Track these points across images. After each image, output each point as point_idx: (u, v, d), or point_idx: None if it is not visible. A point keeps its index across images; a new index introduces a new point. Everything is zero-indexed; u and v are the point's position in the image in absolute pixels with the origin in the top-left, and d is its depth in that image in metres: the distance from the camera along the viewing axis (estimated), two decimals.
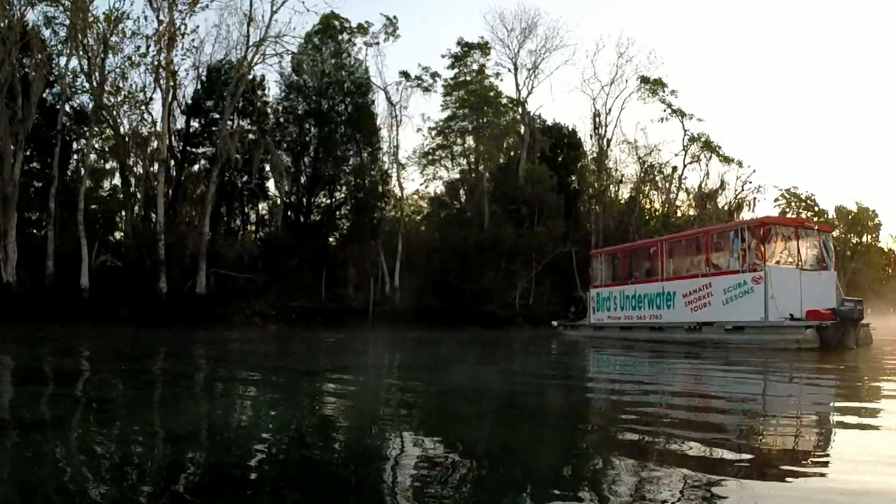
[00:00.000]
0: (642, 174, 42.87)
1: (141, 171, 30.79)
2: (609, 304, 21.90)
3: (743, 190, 47.50)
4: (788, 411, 5.71)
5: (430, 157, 42.48)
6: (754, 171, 49.98)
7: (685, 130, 41.34)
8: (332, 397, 6.66)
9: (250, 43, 29.77)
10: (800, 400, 6.79)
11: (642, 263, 21.03)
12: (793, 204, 63.16)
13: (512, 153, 40.70)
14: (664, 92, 39.77)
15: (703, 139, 41.03)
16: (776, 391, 7.65)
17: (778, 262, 16.65)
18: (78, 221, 27.26)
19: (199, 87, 33.06)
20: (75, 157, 33.57)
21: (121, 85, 29.45)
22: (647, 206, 43.21)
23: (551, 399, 6.42)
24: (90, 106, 29.14)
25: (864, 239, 69.93)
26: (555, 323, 26.18)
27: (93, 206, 31.04)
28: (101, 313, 26.21)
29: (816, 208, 63.56)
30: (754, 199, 48.90)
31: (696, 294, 17.66)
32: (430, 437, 4.18)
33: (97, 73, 28.12)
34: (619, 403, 6.07)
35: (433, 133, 41.18)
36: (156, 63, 28.32)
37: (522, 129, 39.51)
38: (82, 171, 29.74)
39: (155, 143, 29.79)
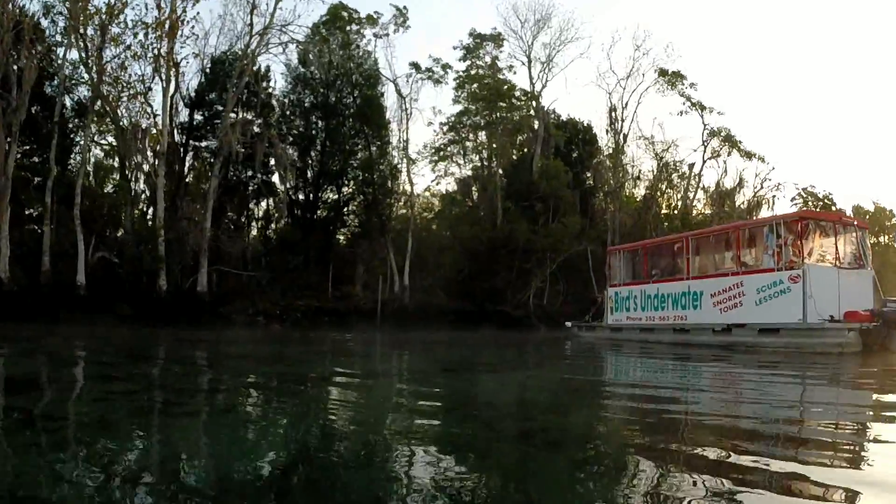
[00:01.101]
0: (659, 171, 41.49)
1: (143, 166, 29.79)
2: (628, 303, 20.66)
3: (762, 188, 46.11)
4: (846, 423, 4.54)
5: (441, 154, 41.35)
6: (773, 168, 48.60)
7: (705, 125, 39.96)
8: (333, 416, 5.52)
9: (254, 32, 28.73)
10: (847, 409, 5.59)
11: (665, 261, 19.78)
12: (809, 203, 61.60)
13: (525, 149, 39.49)
14: (683, 84, 38.41)
15: (723, 133, 39.54)
16: (831, 398, 6.45)
17: (817, 260, 15.40)
18: (74, 216, 26.32)
19: (203, 79, 32.15)
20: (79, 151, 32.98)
21: (120, 76, 28.54)
22: (665, 202, 41.76)
23: (578, 421, 5.26)
24: (89, 97, 28.09)
25: (881, 239, 68.31)
26: (568, 324, 25.01)
27: (94, 202, 30.11)
28: (98, 312, 25.31)
29: (834, 208, 61.99)
30: (773, 197, 47.56)
31: (726, 294, 16.41)
32: (438, 477, 3.05)
33: (95, 63, 27.10)
34: (663, 424, 4.90)
35: (445, 128, 40.06)
36: (156, 52, 27.31)
37: (536, 125, 38.28)
38: (84, 164, 28.67)
39: (156, 136, 28.79)
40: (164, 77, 27.94)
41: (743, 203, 45.67)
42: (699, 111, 39.08)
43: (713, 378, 9.06)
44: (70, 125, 30.14)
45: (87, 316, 24.89)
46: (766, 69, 69.43)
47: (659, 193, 41.18)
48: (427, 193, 42.98)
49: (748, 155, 39.45)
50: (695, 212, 42.20)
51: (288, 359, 11.53)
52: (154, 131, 28.84)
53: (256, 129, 30.46)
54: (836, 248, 15.89)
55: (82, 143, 28.59)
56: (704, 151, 40.30)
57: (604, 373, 10.26)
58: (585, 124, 41.19)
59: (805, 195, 62.42)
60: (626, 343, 19.23)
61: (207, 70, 31.90)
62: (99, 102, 28.51)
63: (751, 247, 16.68)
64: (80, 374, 8.48)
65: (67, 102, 29.55)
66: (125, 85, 27.89)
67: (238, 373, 8.86)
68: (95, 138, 32.98)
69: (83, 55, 28.08)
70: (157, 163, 28.01)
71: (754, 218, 35.91)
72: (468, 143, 41.06)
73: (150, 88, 28.27)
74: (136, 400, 6.22)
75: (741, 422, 5.01)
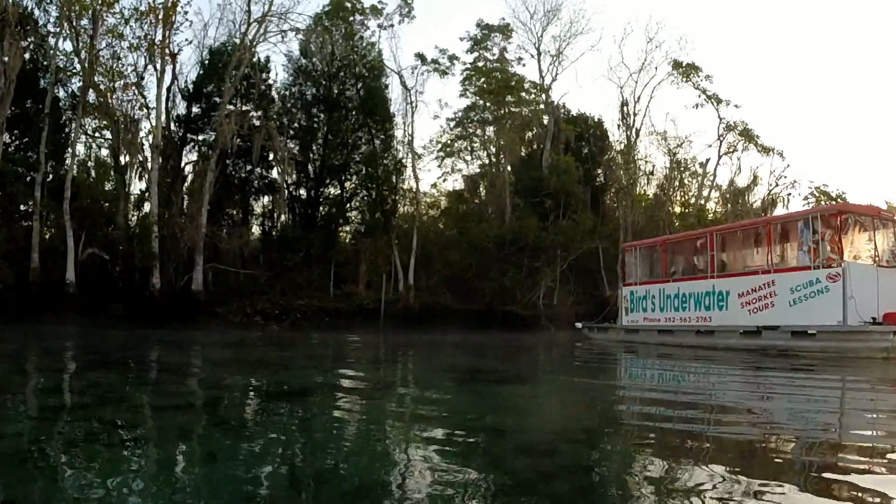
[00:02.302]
0: (672, 168, 40.09)
1: (137, 159, 28.65)
2: (645, 303, 19.38)
3: (776, 185, 44.73)
4: None
5: (448, 150, 40.11)
6: (788, 165, 47.27)
7: (720, 119, 38.52)
8: (310, 454, 4.33)
9: (252, 19, 27.55)
10: None
11: (687, 258, 18.47)
12: (822, 202, 60.08)
13: (535, 145, 38.22)
14: (699, 76, 37.00)
15: (740, 127, 38.08)
16: None
17: (856, 257, 14.11)
18: (64, 211, 25.23)
19: (201, 71, 31.01)
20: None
21: (113, 65, 27.42)
22: (678, 200, 40.33)
23: (609, 453, 4.08)
24: (80, 87, 26.96)
25: None
26: (579, 325, 23.76)
27: (89, 198, 29.01)
28: (89, 311, 24.29)
29: None
30: (788, 195, 46.21)
31: (756, 293, 15.13)
32: None
33: (87, 52, 25.98)
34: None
35: (452, 124, 38.82)
36: (150, 40, 26.18)
37: (546, 120, 37.02)
38: (74, 158, 27.56)
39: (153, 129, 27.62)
40: (158, 67, 26.79)
41: (756, 202, 44.34)
42: (715, 104, 37.69)
43: (763, 387, 7.82)
44: (63, 118, 29.07)
45: (78, 316, 23.93)
46: (780, 63, 67.81)
47: (672, 190, 39.78)
48: (434, 191, 41.67)
49: (766, 150, 37.96)
50: (708, 210, 40.75)
51: (277, 365, 10.34)
52: (148, 124, 27.65)
53: (256, 122, 29.24)
54: (875, 244, 14.63)
55: (73, 135, 27.31)
56: (720, 147, 38.89)
57: (627, 382, 9.02)
58: (596, 119, 39.90)
59: (818, 194, 61.06)
60: (643, 346, 17.99)
61: (206, 61, 30.80)
62: (94, 96, 27.48)
63: (783, 242, 15.39)
64: (29, 385, 7.32)
65: (62, 95, 28.57)
66: (117, 74, 26.69)
67: (213, 384, 7.67)
68: (91, 132, 31.79)
69: (76, 45, 27.02)
70: (150, 156, 26.85)
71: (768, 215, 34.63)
72: (476, 141, 39.83)
73: (142, 78, 27.11)
74: (77, 420, 5.09)
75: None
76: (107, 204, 29.18)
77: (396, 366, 10.40)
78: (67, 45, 27.60)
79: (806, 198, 61.40)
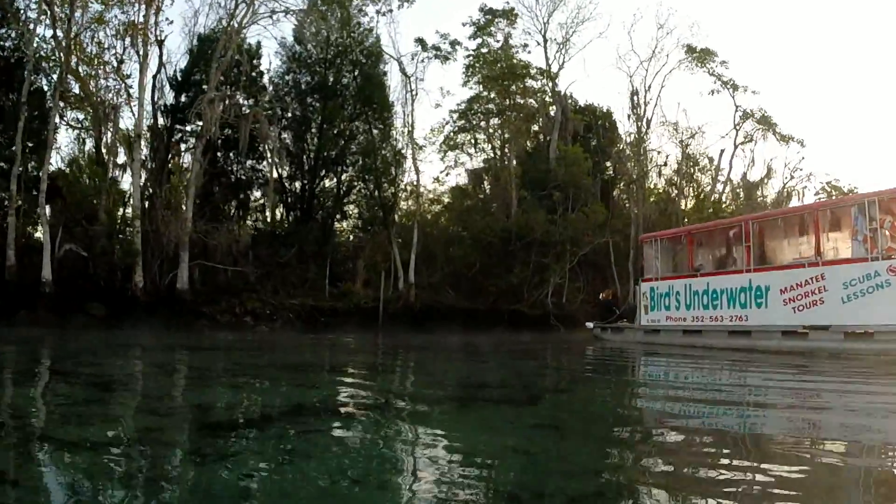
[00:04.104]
0: (684, 160, 38.27)
1: (119, 149, 26.97)
2: (668, 301, 17.59)
3: (791, 178, 43.00)
4: None
5: (451, 143, 38.27)
6: (803, 157, 45.58)
7: (737, 107, 36.67)
8: None
9: None
10: None
11: (717, 250, 16.68)
12: (833, 196, 58.23)
13: (541, 138, 36.42)
14: (714, 62, 35.15)
15: (758, 114, 36.22)
16: None
17: None
18: (40, 205, 23.56)
19: (190, 59, 29.29)
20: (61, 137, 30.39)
21: (94, 51, 25.71)
22: (691, 192, 38.55)
23: None
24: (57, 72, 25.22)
25: None
26: (590, 325, 22.05)
27: (71, 192, 27.31)
28: (68, 311, 22.67)
29: None
30: (804, 188, 44.53)
31: (802, 289, 13.34)
32: None
33: (64, 34, 24.27)
34: None
35: (455, 116, 36.95)
36: (132, 21, 24.46)
37: (553, 111, 35.23)
38: (50, 148, 25.76)
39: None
40: (140, 51, 25.05)
41: (769, 196, 42.60)
42: (731, 91, 35.84)
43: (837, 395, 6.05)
44: (46, 108, 27.35)
45: (55, 316, 22.34)
46: (791, 51, 65.81)
47: (685, 184, 37.98)
48: (435, 184, 39.78)
49: (784, 139, 36.14)
50: (723, 202, 38.94)
51: (247, 375, 8.58)
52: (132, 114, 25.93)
53: (246, 110, 27.45)
54: None
55: (51, 125, 25.56)
56: (736, 136, 37.11)
57: (672, 404, 7.25)
58: (605, 110, 38.13)
59: (829, 189, 59.24)
60: (665, 348, 16.21)
61: (194, 49, 29.08)
62: (77, 87, 25.90)
63: (834, 231, 13.61)
64: None
65: (47, 87, 26.88)
66: (98, 60, 24.95)
67: (148, 406, 5.90)
68: (74, 123, 30.03)
69: (55, 31, 25.34)
70: (133, 146, 25.13)
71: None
72: (480, 135, 37.98)
73: (122, 61, 25.35)
74: None
75: None
76: (90, 198, 27.47)
77: (388, 378, 8.60)
78: (49, 34, 26.10)
79: (817, 192, 59.59)
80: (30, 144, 25.77)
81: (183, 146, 28.78)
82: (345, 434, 4.67)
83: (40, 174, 23.78)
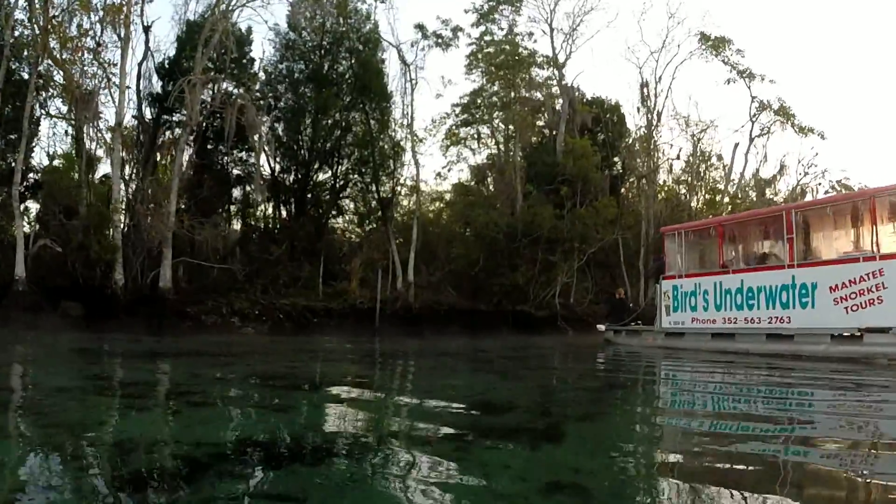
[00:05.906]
0: (696, 154, 36.69)
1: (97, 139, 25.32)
2: (694, 301, 15.95)
3: (805, 174, 41.49)
4: None
5: (453, 138, 36.66)
6: (817, 153, 44.20)
7: (753, 98, 35.04)
8: None
9: None
10: None
11: (752, 243, 15.01)
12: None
13: (547, 132, 34.83)
14: (729, 50, 33.53)
15: (776, 105, 34.58)
16: None
17: None
18: (13, 197, 21.98)
19: (178, 46, 27.70)
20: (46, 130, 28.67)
21: (74, 34, 24.03)
22: (703, 187, 36.94)
23: None
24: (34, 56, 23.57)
25: None
26: (601, 327, 20.42)
27: (50, 185, 25.75)
28: (42, 310, 21.12)
29: None
30: (818, 185, 43.09)
31: (856, 287, 11.69)
32: None
33: (41, 14, 22.66)
34: None
35: (457, 110, 35.35)
36: (112, 2, 22.84)
37: (559, 105, 33.64)
38: (24, 138, 24.11)
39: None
40: (122, 34, 23.42)
41: (781, 193, 41.13)
42: (747, 81, 34.21)
43: None
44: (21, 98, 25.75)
45: (29, 316, 20.79)
46: (805, 45, 64.18)
47: (697, 179, 36.41)
48: (437, 180, 38.11)
49: (803, 130, 34.53)
50: (738, 197, 37.34)
51: (200, 394, 6.89)
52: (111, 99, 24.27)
53: (239, 99, 25.77)
54: None
55: (26, 113, 23.91)
56: (752, 128, 35.53)
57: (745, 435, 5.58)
58: (613, 103, 36.49)
59: (839, 187, 57.66)
60: (691, 353, 14.55)
61: (183, 36, 27.50)
62: (61, 75, 24.22)
63: (891, 222, 11.97)
64: None
65: (26, 75, 25.26)
66: (74, 39, 23.29)
67: (40, 438, 4.26)
68: (55, 112, 28.38)
69: (31, 11, 23.68)
70: (112, 136, 23.52)
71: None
72: (483, 129, 36.38)
73: (100, 44, 23.66)
74: None
75: None
76: (69, 190, 25.88)
77: (378, 401, 6.89)
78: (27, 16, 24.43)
79: (827, 191, 57.85)
80: (11, 137, 24.32)
81: (170, 135, 27.09)
82: (294, 491, 3.02)
83: (13, 164, 22.12)
